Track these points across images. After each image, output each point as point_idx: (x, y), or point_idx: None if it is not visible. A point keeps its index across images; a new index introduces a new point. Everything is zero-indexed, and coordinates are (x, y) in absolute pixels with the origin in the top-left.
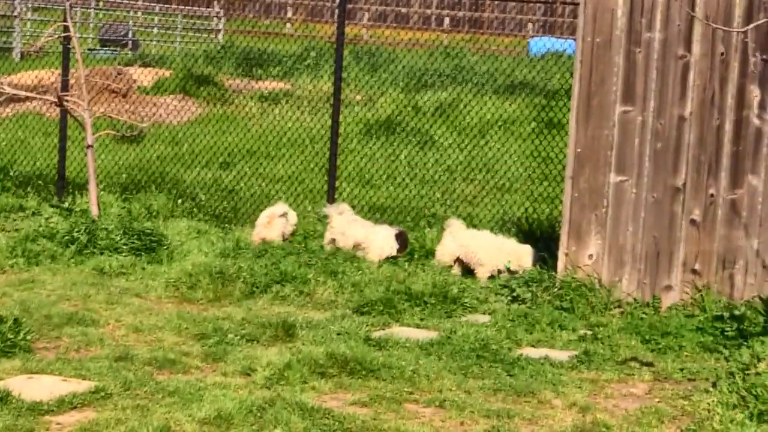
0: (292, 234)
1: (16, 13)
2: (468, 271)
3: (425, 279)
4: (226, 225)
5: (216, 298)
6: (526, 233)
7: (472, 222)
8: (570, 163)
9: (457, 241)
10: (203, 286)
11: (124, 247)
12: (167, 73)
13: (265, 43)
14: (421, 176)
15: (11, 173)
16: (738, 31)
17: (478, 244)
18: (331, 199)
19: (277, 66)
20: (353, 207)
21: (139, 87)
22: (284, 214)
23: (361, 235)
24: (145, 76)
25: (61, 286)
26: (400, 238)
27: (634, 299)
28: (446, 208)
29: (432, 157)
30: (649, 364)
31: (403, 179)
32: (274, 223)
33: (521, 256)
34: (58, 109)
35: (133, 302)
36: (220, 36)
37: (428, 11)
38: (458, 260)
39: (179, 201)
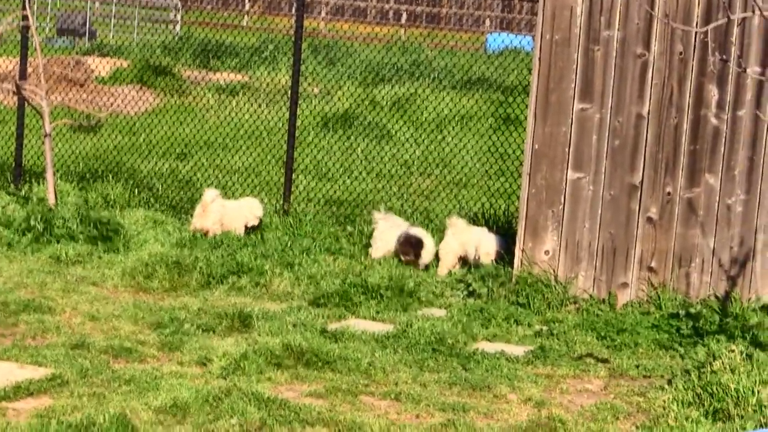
0: (258, 226)
1: None
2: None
3: (381, 272)
4: (183, 215)
5: (172, 288)
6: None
7: (428, 217)
8: (527, 159)
9: (459, 239)
10: (160, 275)
11: (81, 235)
12: (125, 64)
13: (223, 35)
14: (378, 170)
15: None
16: (697, 31)
17: (480, 241)
18: (288, 192)
19: (235, 58)
20: (309, 200)
21: (96, 77)
22: (214, 200)
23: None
24: (102, 66)
25: (17, 273)
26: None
27: (590, 296)
28: (402, 202)
29: (389, 151)
30: (605, 361)
31: (360, 173)
32: (209, 210)
33: None
34: (15, 98)
35: (90, 291)
36: (177, 27)
37: (386, 6)
38: (461, 259)
39: (136, 191)
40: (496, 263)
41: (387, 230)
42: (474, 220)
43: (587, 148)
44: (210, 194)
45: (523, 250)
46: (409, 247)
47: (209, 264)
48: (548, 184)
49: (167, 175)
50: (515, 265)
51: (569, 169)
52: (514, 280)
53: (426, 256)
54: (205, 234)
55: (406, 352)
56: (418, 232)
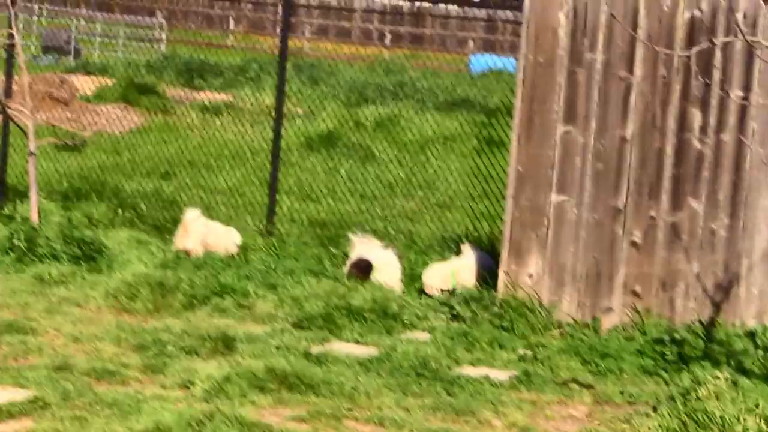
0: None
1: None
2: None
3: (365, 294)
4: (167, 235)
5: (155, 309)
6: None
7: (412, 239)
8: (511, 181)
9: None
10: (143, 296)
11: (64, 255)
12: (109, 82)
13: (208, 54)
14: (362, 191)
15: None
16: (680, 55)
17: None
18: (272, 213)
19: (219, 77)
20: (293, 221)
21: (81, 95)
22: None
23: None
24: (87, 85)
25: (0, 293)
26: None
27: (575, 320)
28: (386, 224)
29: (372, 172)
30: (589, 386)
31: (344, 194)
32: (191, 231)
33: None
34: (0, 116)
35: (73, 311)
36: (162, 46)
37: (370, 26)
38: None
39: (120, 210)
40: (479, 286)
41: (364, 253)
42: (458, 243)
43: (571, 170)
44: (191, 214)
45: (507, 273)
46: (358, 270)
47: (192, 285)
48: (532, 207)
49: (151, 194)
50: (499, 288)
51: (553, 192)
52: (498, 303)
53: (382, 278)
54: (188, 254)
55: (390, 376)
56: (377, 255)
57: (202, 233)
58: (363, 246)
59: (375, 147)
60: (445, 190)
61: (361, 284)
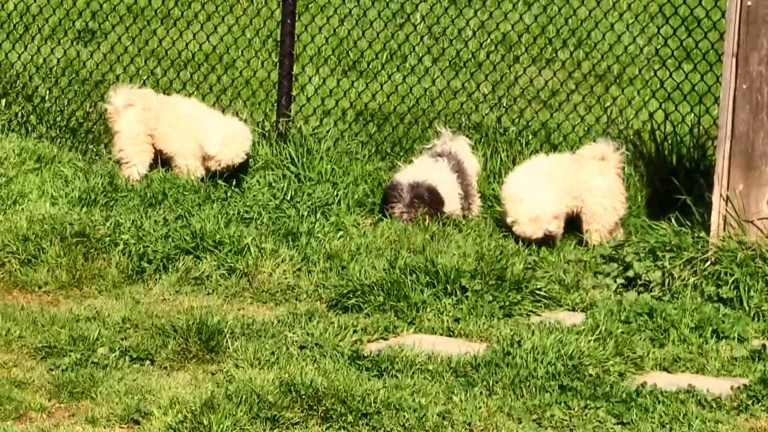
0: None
1: None
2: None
3: (463, 245)
4: (91, 146)
5: (74, 282)
6: (649, 160)
7: (548, 138)
8: (732, 24)
9: (561, 185)
10: (50, 258)
11: None
12: None
13: None
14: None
15: None
16: None
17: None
18: (287, 99)
19: None
20: (325, 113)
21: None
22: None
23: None
24: None
25: None
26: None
27: None
28: (500, 113)
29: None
30: None
31: (419, 58)
32: (121, 124)
33: None
34: None
35: None
36: None
37: None
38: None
39: (2, 102)
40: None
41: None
42: (633, 143)
43: None
44: (122, 94)
45: (727, 200)
46: (411, 207)
47: (141, 236)
48: None
49: (62, 69)
50: (712, 228)
51: None
52: (710, 254)
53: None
54: (129, 177)
55: (511, 393)
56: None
57: (150, 127)
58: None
59: None
60: (608, 49)
61: (452, 224)
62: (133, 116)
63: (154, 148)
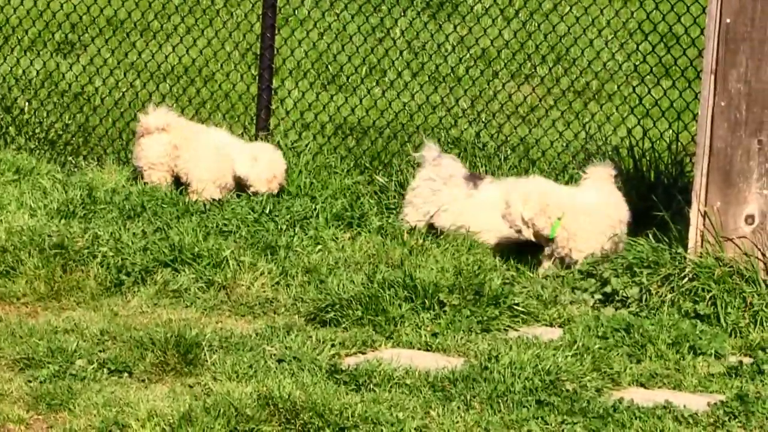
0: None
1: None
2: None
3: (441, 260)
4: (70, 158)
5: (52, 294)
6: (627, 177)
7: (527, 154)
8: (710, 46)
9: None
10: (28, 270)
11: None
12: None
13: None
14: (433, 68)
15: None
16: None
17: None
18: (266, 112)
19: None
20: (304, 126)
21: None
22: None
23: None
24: None
25: None
26: None
27: None
28: (478, 128)
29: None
30: None
31: (399, 72)
32: (147, 145)
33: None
34: None
35: None
36: None
37: None
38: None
39: None
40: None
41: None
42: (613, 159)
43: None
44: (160, 116)
45: (705, 216)
46: None
47: (120, 248)
48: (751, 91)
49: (40, 81)
50: (690, 244)
51: None
52: (688, 270)
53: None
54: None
55: (489, 408)
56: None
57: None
58: (436, 169)
59: None
60: (588, 63)
61: (431, 239)
62: (161, 144)
63: (173, 173)
